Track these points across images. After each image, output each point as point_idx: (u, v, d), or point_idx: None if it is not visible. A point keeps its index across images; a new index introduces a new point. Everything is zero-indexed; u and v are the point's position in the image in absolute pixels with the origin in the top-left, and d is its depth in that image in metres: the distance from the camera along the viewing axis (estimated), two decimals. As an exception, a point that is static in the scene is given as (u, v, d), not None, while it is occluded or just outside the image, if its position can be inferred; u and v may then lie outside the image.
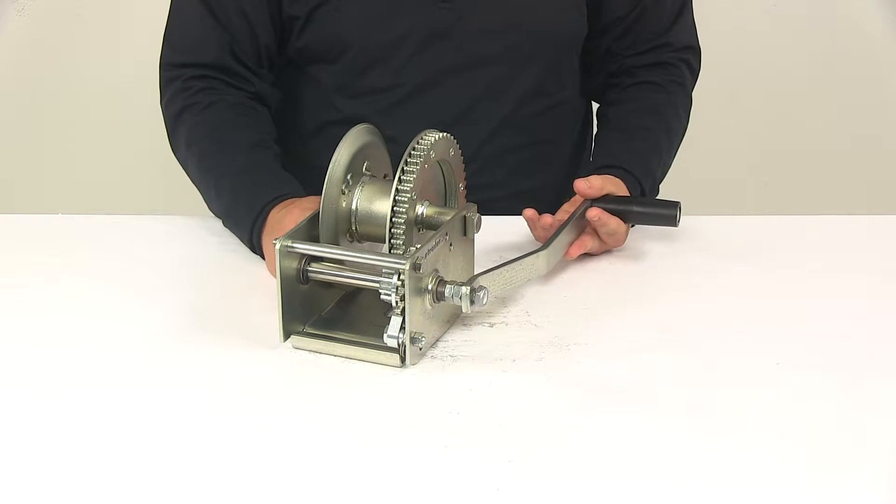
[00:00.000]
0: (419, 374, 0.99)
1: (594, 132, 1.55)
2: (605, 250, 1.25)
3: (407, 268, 0.97)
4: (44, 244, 1.29)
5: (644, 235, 1.30)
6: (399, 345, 0.99)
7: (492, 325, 1.08)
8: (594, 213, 1.19)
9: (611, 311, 1.11)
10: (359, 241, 1.09)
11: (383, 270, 0.99)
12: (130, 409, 0.93)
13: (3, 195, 2.56)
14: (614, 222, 1.20)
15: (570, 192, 1.41)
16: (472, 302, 1.00)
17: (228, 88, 1.36)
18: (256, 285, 1.16)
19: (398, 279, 0.97)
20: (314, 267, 1.04)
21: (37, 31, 2.47)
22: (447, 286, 1.01)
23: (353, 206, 1.07)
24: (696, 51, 1.48)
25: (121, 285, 1.17)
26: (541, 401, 0.95)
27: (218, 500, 0.82)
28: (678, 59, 1.45)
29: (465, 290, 1.00)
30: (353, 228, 1.07)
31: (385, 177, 1.12)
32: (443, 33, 1.34)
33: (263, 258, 1.20)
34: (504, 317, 1.10)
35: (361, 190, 1.07)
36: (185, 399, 0.95)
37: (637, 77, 1.44)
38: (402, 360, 1.00)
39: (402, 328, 0.98)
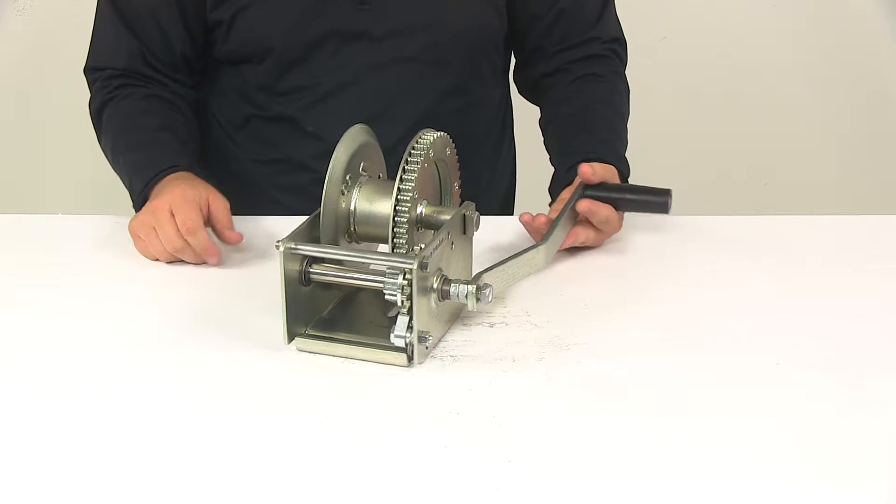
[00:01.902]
0: (419, 374, 0.99)
1: (522, 130, 1.58)
2: (602, 241, 1.25)
3: (415, 267, 0.97)
4: (44, 244, 1.29)
5: (644, 235, 1.30)
6: (407, 344, 0.99)
7: (492, 325, 1.08)
8: (584, 206, 1.21)
9: (611, 311, 1.11)
10: (356, 242, 1.09)
11: (387, 270, 0.99)
12: (132, 409, 0.94)
13: (3, 195, 2.56)
14: (605, 210, 1.22)
15: (492, 189, 1.51)
16: (477, 300, 1.00)
17: (146, 85, 1.40)
18: (257, 285, 1.16)
19: (403, 279, 0.97)
20: (315, 268, 1.04)
21: (37, 31, 2.47)
22: (451, 285, 1.01)
23: (352, 207, 1.06)
24: (622, 43, 1.51)
25: (120, 285, 1.17)
26: (541, 401, 0.95)
27: (219, 499, 0.82)
28: (607, 51, 1.48)
29: (470, 288, 1.00)
30: (352, 229, 1.07)
31: (379, 177, 1.12)
32: (362, 34, 1.37)
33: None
34: (504, 317, 1.10)
35: (359, 190, 1.07)
36: (185, 400, 0.95)
37: (574, 73, 1.45)
38: (410, 359, 1.00)
39: (410, 327, 0.98)
